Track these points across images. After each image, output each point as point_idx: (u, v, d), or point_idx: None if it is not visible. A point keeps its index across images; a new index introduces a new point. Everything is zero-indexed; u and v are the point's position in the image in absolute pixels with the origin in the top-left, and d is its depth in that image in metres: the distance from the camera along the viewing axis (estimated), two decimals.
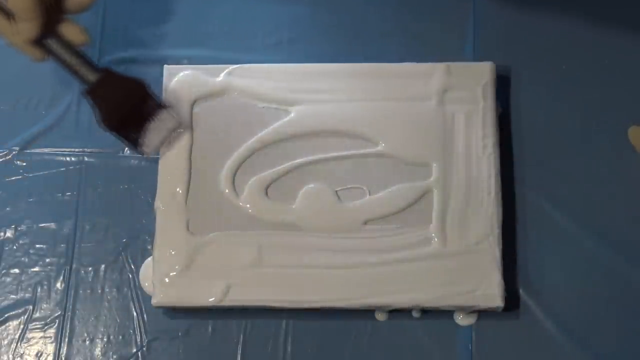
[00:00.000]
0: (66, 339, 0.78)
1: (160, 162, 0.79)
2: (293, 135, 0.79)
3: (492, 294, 0.74)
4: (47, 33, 0.72)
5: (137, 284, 0.79)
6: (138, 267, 0.79)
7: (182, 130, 0.78)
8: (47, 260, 0.80)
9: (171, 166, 0.79)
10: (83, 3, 0.74)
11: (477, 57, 0.83)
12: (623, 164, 0.79)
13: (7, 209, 0.82)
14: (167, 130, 0.78)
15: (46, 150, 0.83)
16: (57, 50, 0.74)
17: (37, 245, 0.81)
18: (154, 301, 0.76)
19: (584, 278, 0.77)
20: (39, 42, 0.73)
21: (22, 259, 0.80)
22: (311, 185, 0.78)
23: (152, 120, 0.77)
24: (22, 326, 0.79)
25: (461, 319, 0.76)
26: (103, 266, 0.80)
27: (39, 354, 0.78)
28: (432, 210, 0.77)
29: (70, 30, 0.74)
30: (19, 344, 0.78)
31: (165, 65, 0.82)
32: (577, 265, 0.77)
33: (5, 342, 0.78)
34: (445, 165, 0.78)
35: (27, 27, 0.71)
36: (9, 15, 0.71)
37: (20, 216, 0.82)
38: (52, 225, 0.81)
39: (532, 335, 0.76)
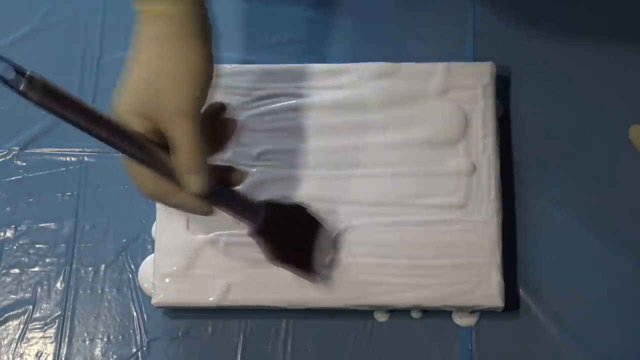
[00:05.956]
0: (66, 339, 0.78)
1: None
2: (292, 134, 0.79)
3: (492, 294, 0.74)
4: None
5: (137, 284, 0.79)
6: (138, 267, 0.79)
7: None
8: (47, 260, 0.80)
9: None
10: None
11: (477, 57, 0.83)
12: (623, 163, 0.79)
13: (7, 209, 0.82)
14: (328, 249, 0.74)
15: (46, 150, 0.83)
16: (222, 198, 0.66)
17: (37, 245, 0.81)
18: (153, 301, 0.76)
19: (584, 278, 0.77)
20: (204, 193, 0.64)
21: (22, 259, 0.80)
22: (312, 185, 0.78)
23: (316, 242, 0.73)
24: (22, 326, 0.79)
25: (461, 320, 0.76)
26: (103, 266, 0.80)
27: (39, 354, 0.78)
28: None
29: (228, 173, 0.68)
30: (19, 344, 0.78)
31: None
32: (577, 265, 0.77)
33: (5, 342, 0.78)
34: None
35: (195, 180, 0.62)
36: (166, 172, 0.63)
37: (20, 216, 0.82)
38: (52, 225, 0.81)
39: (532, 335, 0.76)
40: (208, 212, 0.66)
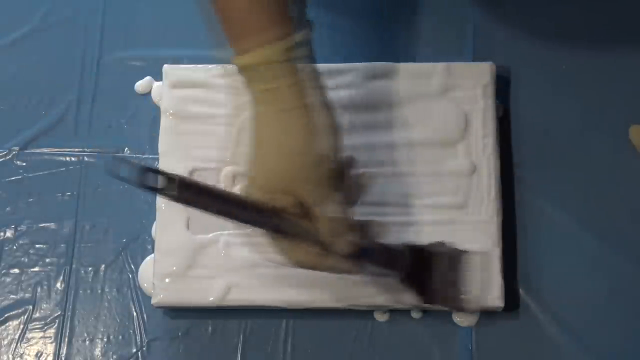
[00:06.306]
0: (66, 339, 0.78)
1: (161, 162, 0.79)
2: None
3: (492, 294, 0.74)
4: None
5: (137, 284, 0.79)
6: (138, 267, 0.79)
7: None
8: (47, 260, 0.80)
9: (171, 166, 0.78)
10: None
11: (477, 57, 0.83)
12: (623, 164, 0.79)
13: (7, 209, 0.82)
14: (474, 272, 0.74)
15: (46, 150, 0.83)
16: (369, 252, 0.67)
17: (37, 245, 0.81)
18: (153, 301, 0.76)
19: (584, 278, 0.77)
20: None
21: (22, 259, 0.80)
22: None
23: (460, 271, 0.72)
24: (22, 326, 0.78)
25: (461, 320, 0.76)
26: (103, 266, 0.80)
27: (39, 354, 0.78)
28: None
29: (368, 227, 0.67)
30: (19, 344, 0.78)
31: (165, 65, 0.82)
32: (577, 265, 0.77)
33: (5, 342, 0.78)
34: None
35: (341, 242, 0.64)
36: (312, 241, 0.65)
37: (20, 216, 0.82)
38: (52, 225, 0.81)
39: (532, 335, 0.76)
40: (358, 271, 0.67)
